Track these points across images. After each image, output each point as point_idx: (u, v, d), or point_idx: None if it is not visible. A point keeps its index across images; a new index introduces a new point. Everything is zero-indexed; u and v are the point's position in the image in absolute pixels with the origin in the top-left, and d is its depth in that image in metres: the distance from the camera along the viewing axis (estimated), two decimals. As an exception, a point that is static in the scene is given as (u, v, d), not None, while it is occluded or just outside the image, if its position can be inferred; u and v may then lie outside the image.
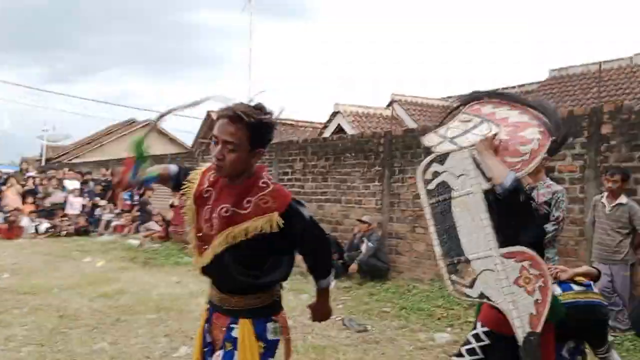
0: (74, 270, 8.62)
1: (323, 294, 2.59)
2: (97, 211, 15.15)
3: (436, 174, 2.70)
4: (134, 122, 30.62)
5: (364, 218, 8.13)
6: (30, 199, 14.46)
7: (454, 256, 2.55)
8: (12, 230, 13.09)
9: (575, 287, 3.11)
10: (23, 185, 14.90)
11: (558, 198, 4.42)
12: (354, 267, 7.85)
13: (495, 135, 2.64)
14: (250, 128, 2.04)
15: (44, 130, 30.99)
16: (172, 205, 13.18)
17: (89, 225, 14.52)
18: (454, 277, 2.54)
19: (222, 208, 2.11)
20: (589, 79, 14.93)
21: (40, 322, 5.42)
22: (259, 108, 2.09)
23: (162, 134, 29.54)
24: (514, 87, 17.71)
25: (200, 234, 2.18)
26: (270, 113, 2.10)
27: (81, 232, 14.04)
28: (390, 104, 17.19)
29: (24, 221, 13.57)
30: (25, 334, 5.01)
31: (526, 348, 2.39)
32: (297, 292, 6.86)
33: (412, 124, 15.27)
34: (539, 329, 2.36)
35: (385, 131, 8.89)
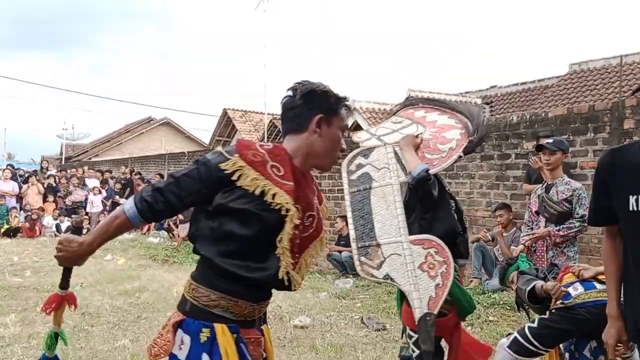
0: (95, 268, 8.71)
1: None
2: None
3: (360, 166, 2.98)
4: (151, 120, 30.87)
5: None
6: (51, 198, 14.65)
7: (366, 240, 2.78)
8: (34, 229, 13.28)
9: (598, 286, 3.07)
10: (44, 184, 15.09)
11: (579, 195, 4.40)
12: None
13: (418, 134, 2.96)
14: None
15: (63, 129, 31.37)
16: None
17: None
18: (363, 258, 2.76)
19: (315, 201, 1.94)
20: (610, 72, 14.73)
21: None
22: None
23: (179, 131, 29.77)
24: (533, 82, 17.55)
25: (298, 241, 1.86)
26: None
27: (101, 230, 14.19)
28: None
29: (45, 219, 13.76)
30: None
31: (421, 326, 2.61)
32: (315, 290, 6.87)
33: (429, 120, 15.18)
34: (435, 311, 2.57)
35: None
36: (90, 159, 26.98)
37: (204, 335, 1.77)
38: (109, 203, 15.38)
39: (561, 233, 4.37)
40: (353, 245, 2.82)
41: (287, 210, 1.77)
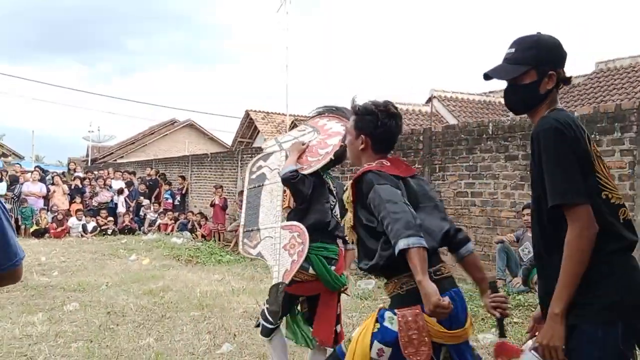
0: (120, 268, 8.84)
1: None
2: (142, 210, 15.51)
3: (260, 167, 3.65)
4: (175, 122, 31.18)
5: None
6: (77, 199, 14.90)
7: (250, 226, 3.49)
8: (61, 230, 13.52)
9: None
10: (70, 186, 15.35)
11: None
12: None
13: (304, 141, 3.48)
14: None
15: (89, 131, 31.88)
16: (212, 205, 13.37)
17: (134, 224, 14.88)
18: (245, 240, 3.48)
19: None
20: (637, 71, 14.46)
21: (89, 318, 5.58)
22: None
23: (202, 133, 30.01)
24: (558, 81, 17.30)
25: None
26: None
27: (127, 230, 14.40)
28: (429, 100, 17.03)
29: (72, 220, 14.00)
30: (75, 330, 5.17)
31: (272, 291, 3.42)
32: (337, 291, 6.84)
33: (452, 120, 15.08)
34: (287, 281, 3.20)
35: (425, 128, 8.80)
36: (115, 160, 27.35)
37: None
38: (133, 204, 15.58)
39: None
40: (240, 229, 3.54)
41: None
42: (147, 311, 5.93)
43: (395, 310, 2.15)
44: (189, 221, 14.00)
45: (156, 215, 15.05)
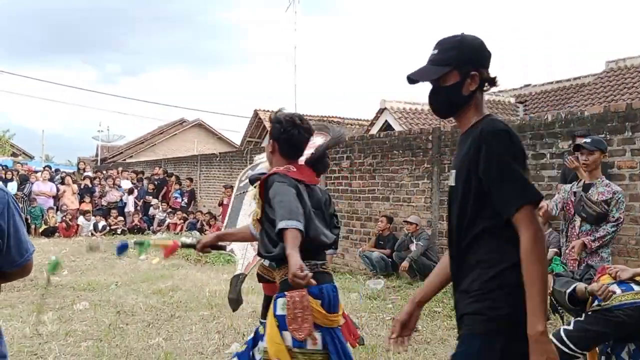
0: (129, 268, 8.89)
1: None
2: (151, 210, 15.57)
3: (247, 177, 3.90)
4: (184, 121, 31.28)
5: (410, 219, 8.03)
6: (87, 198, 14.99)
7: (230, 226, 4.01)
8: (70, 229, 13.60)
9: (636, 288, 3.01)
10: (80, 185, 15.43)
11: (619, 199, 4.31)
12: (405, 265, 7.77)
13: None
14: None
15: (99, 131, 32.06)
16: (221, 204, 13.39)
17: (143, 223, 14.94)
18: None
19: None
20: (648, 70, 14.33)
21: (99, 317, 5.61)
22: None
23: (211, 132, 30.10)
24: (568, 80, 17.21)
25: None
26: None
27: (136, 230, 14.46)
28: (438, 100, 16.95)
29: (82, 220, 14.08)
30: (85, 329, 5.20)
31: (233, 281, 4.02)
32: (346, 291, 6.86)
33: (461, 120, 15.02)
34: (247, 272, 3.84)
35: (434, 127, 8.77)
36: (124, 160, 27.49)
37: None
38: (140, 203, 15.65)
39: (596, 243, 4.31)
40: (222, 229, 4.06)
41: None
42: (157, 310, 5.95)
43: (285, 293, 2.45)
44: (198, 221, 14.04)
45: (164, 215, 15.11)
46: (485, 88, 1.95)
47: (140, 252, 2.84)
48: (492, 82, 1.95)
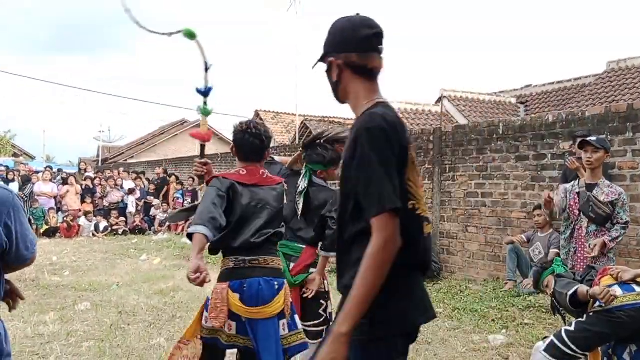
0: (131, 268, 8.89)
1: None
2: (152, 210, 15.57)
3: None
4: (185, 122, 31.29)
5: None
6: (88, 199, 14.99)
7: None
8: (72, 230, 13.61)
9: (637, 289, 3.01)
10: (82, 186, 15.44)
11: (624, 200, 4.27)
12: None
13: None
14: None
15: (100, 131, 32.13)
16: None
17: (144, 224, 14.95)
18: None
19: None
20: (649, 70, 14.33)
21: (100, 318, 5.62)
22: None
23: (212, 133, 30.10)
24: (569, 81, 17.22)
25: None
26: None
27: (137, 230, 14.47)
28: (439, 100, 16.98)
29: (83, 220, 14.09)
30: (86, 330, 5.20)
31: None
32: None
33: (462, 120, 15.03)
34: None
35: (435, 127, 8.77)
36: (126, 160, 27.51)
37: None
38: (141, 204, 15.65)
39: (612, 244, 4.26)
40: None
41: None
42: (158, 311, 5.96)
43: (216, 284, 2.85)
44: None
45: (165, 215, 15.10)
46: (373, 74, 1.83)
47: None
48: (364, 68, 1.80)
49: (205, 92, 3.06)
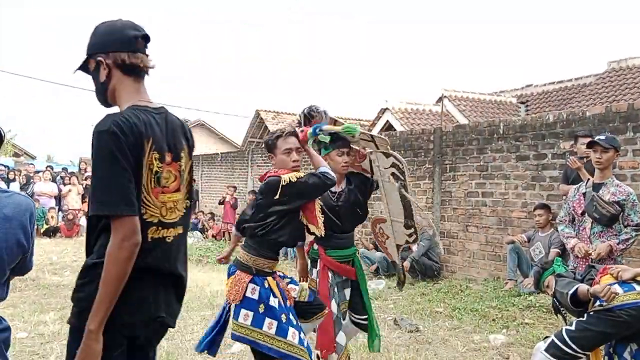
0: (130, 268, 8.87)
1: None
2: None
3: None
4: (186, 121, 31.21)
5: (414, 218, 8.02)
6: (88, 198, 14.97)
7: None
8: (72, 229, 13.61)
9: (638, 288, 3.00)
10: (83, 185, 15.43)
11: (634, 201, 4.11)
12: (406, 265, 7.77)
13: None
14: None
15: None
16: (222, 202, 13.39)
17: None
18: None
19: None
20: (650, 70, 14.31)
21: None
22: None
23: (213, 132, 30.12)
24: (570, 80, 17.19)
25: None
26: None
27: (137, 230, 14.45)
28: (440, 100, 16.96)
29: (83, 220, 14.09)
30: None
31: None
32: (347, 291, 6.83)
33: (462, 120, 15.01)
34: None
35: (436, 127, 8.77)
36: (126, 160, 27.45)
37: (267, 282, 2.99)
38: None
39: (621, 247, 4.12)
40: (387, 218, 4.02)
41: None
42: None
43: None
44: (199, 221, 14.05)
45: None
46: (129, 73, 1.87)
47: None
48: (131, 67, 1.86)
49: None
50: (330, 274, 3.56)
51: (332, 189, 3.46)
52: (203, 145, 27.92)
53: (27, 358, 4.41)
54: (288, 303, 3.06)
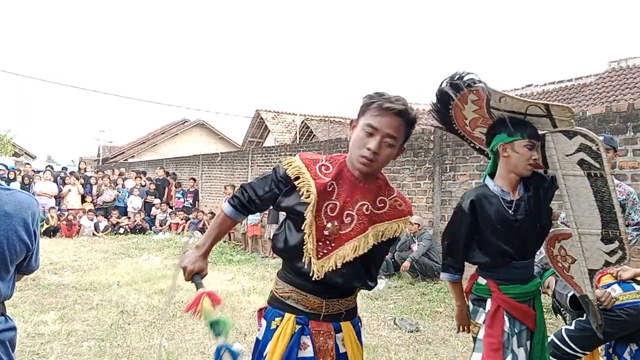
0: (131, 267, 8.89)
1: None
2: (153, 209, 15.58)
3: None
4: (186, 121, 31.30)
5: (412, 219, 8.02)
6: (88, 198, 14.99)
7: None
8: (72, 229, 13.62)
9: (637, 287, 3.00)
10: (83, 185, 15.46)
11: (634, 200, 4.12)
12: (406, 264, 7.78)
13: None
14: (409, 125, 2.11)
15: (101, 130, 32.15)
16: (224, 203, 13.40)
17: (145, 223, 14.95)
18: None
19: (362, 205, 1.96)
20: (650, 70, 14.32)
21: (100, 317, 5.61)
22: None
23: (213, 132, 30.12)
24: (570, 80, 17.19)
25: (327, 233, 1.93)
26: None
27: (138, 230, 14.47)
28: (440, 100, 16.94)
29: (84, 220, 14.10)
30: (86, 329, 5.20)
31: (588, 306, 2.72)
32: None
33: (463, 120, 15.01)
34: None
35: (436, 127, 8.76)
36: (126, 160, 27.51)
37: (275, 323, 2.01)
38: (143, 203, 15.66)
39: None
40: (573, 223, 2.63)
41: (307, 197, 1.91)
42: (158, 310, 5.96)
43: None
44: (200, 220, 14.05)
45: (165, 215, 15.12)
46: None
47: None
48: None
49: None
50: (506, 319, 2.56)
51: (506, 197, 2.52)
52: (203, 145, 27.92)
53: (27, 358, 4.41)
54: None
